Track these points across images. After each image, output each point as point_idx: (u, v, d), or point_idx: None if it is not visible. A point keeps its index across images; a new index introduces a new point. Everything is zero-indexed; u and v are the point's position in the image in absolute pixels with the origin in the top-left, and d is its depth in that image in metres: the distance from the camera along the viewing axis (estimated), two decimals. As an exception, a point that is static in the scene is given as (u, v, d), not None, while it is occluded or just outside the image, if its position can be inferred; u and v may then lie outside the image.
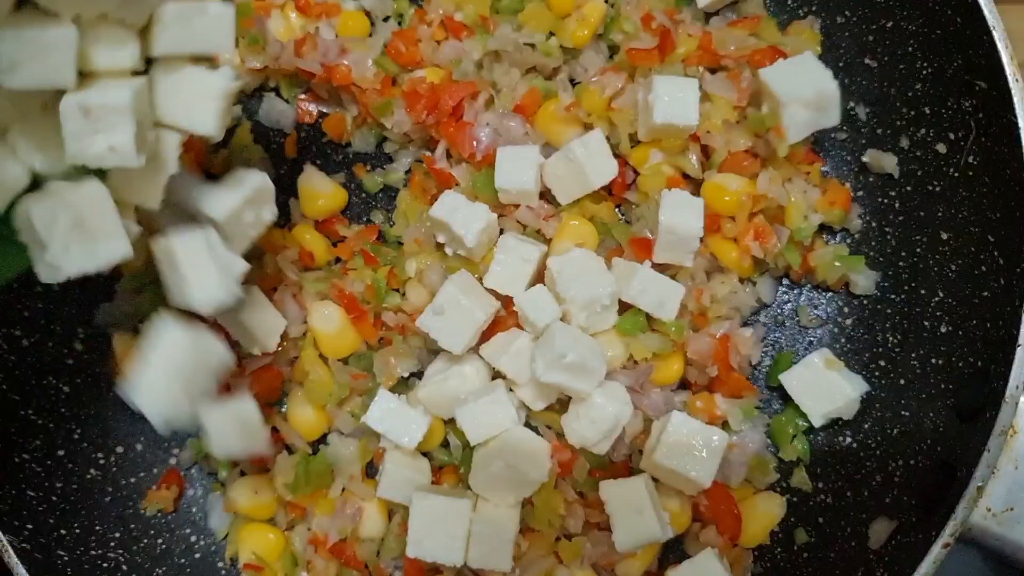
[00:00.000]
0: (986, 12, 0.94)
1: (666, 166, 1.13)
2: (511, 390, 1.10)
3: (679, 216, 1.06)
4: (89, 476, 1.18)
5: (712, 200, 1.10)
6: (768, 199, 1.10)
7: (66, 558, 1.09)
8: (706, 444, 1.02)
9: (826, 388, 1.09)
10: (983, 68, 0.96)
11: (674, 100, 1.09)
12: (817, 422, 1.09)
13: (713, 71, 1.17)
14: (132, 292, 1.20)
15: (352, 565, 1.13)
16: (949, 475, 0.92)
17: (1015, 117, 0.92)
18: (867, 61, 1.13)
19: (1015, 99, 0.92)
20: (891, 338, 1.11)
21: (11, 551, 1.02)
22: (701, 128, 1.11)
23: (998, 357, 0.92)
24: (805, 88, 1.08)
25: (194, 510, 1.21)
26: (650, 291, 1.07)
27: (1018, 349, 0.90)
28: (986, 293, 0.97)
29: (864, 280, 1.13)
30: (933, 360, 1.04)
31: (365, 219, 1.21)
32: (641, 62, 1.14)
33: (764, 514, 1.10)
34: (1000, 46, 0.93)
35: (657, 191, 1.10)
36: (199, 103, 0.85)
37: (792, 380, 1.10)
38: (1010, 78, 0.93)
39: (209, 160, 1.23)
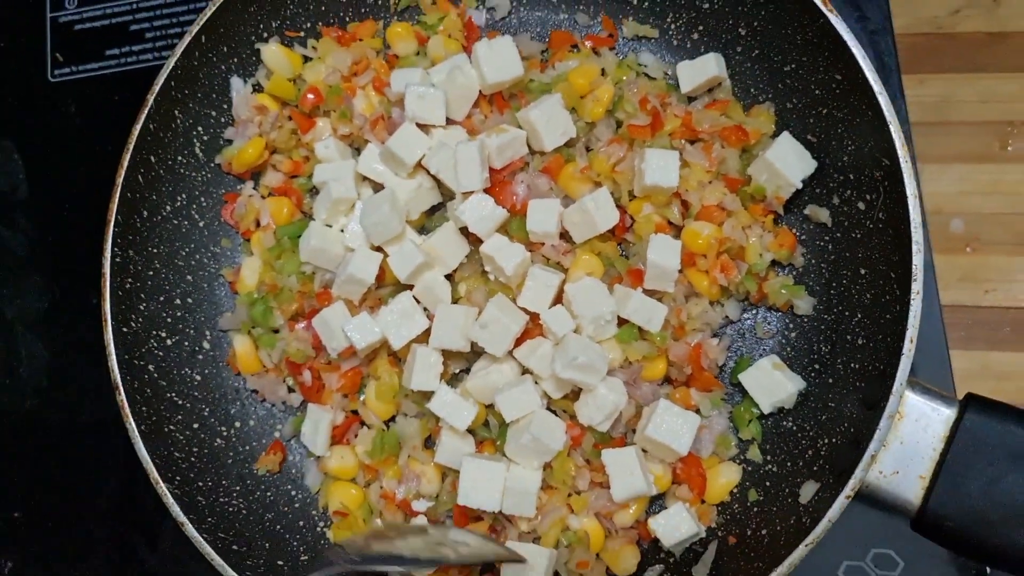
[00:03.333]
0: (885, 111, 1.17)
1: (655, 215, 1.33)
2: (537, 383, 1.29)
3: (662, 255, 1.27)
4: (216, 444, 1.38)
5: (689, 242, 1.31)
6: (732, 241, 1.31)
7: (203, 503, 1.29)
8: (685, 423, 1.24)
9: (773, 384, 1.28)
10: (886, 150, 1.17)
11: (660, 167, 1.29)
12: (766, 410, 1.29)
13: (692, 142, 1.37)
14: (247, 305, 1.41)
15: (413, 514, 1.34)
16: (856, 449, 1.12)
17: (904, 188, 1.14)
18: (809, 137, 1.32)
19: (904, 175, 1.15)
20: (823, 348, 1.29)
21: (168, 496, 1.24)
22: (681, 187, 1.32)
23: (893, 363, 1.11)
24: (796, 166, 1.30)
25: (294, 471, 1.41)
26: (641, 310, 1.28)
27: (902, 357, 1.10)
28: (888, 316, 1.17)
29: (804, 304, 1.32)
30: (852, 365, 1.23)
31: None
32: (638, 135, 1.35)
33: (726, 479, 1.30)
34: (895, 136, 1.16)
35: (648, 234, 1.31)
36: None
37: (748, 378, 1.30)
38: (902, 160, 1.15)
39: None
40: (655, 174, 1.30)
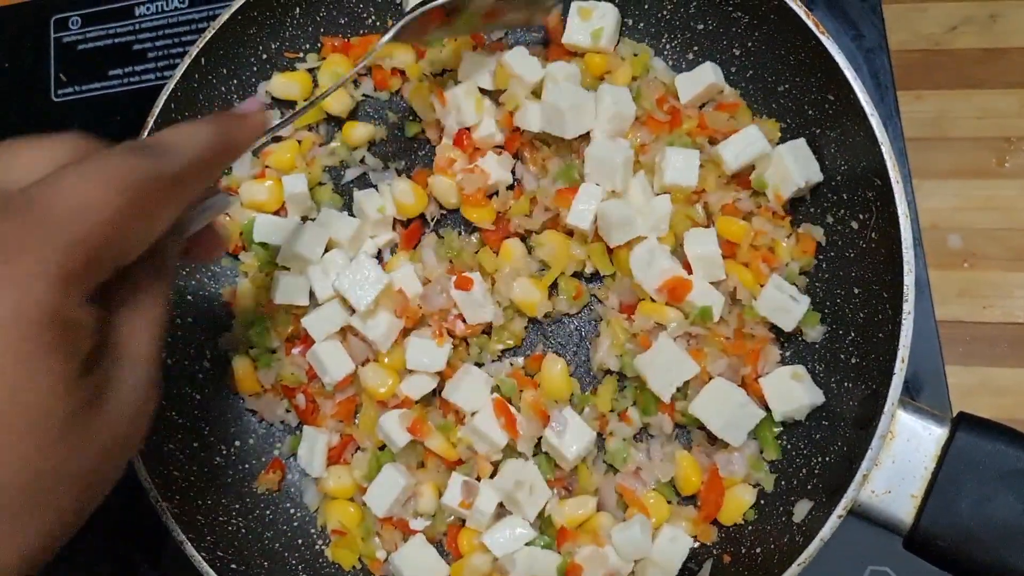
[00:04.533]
0: (877, 132, 1.18)
1: (683, 214, 1.33)
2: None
3: (700, 246, 1.29)
4: (216, 462, 1.39)
5: (724, 230, 1.31)
6: (764, 233, 1.32)
7: (203, 521, 1.30)
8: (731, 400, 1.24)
9: (788, 393, 1.25)
10: (877, 170, 1.18)
11: (680, 167, 1.31)
12: (777, 419, 1.26)
13: (710, 141, 1.37)
14: (245, 326, 1.42)
15: (410, 532, 1.33)
16: (849, 468, 1.13)
17: (896, 208, 1.15)
18: (803, 157, 1.32)
19: (896, 195, 1.15)
20: (818, 367, 1.30)
21: (168, 514, 1.24)
22: (698, 187, 1.32)
23: (885, 382, 1.12)
24: (803, 166, 1.29)
25: (292, 490, 1.41)
26: (704, 296, 1.28)
27: (894, 376, 1.11)
28: (880, 335, 1.17)
29: (815, 333, 1.30)
30: (846, 384, 1.24)
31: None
32: (656, 130, 1.38)
33: (742, 500, 1.28)
34: (886, 157, 1.16)
35: (683, 231, 1.32)
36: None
37: (766, 383, 1.26)
38: (893, 180, 1.16)
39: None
40: (676, 174, 1.31)
